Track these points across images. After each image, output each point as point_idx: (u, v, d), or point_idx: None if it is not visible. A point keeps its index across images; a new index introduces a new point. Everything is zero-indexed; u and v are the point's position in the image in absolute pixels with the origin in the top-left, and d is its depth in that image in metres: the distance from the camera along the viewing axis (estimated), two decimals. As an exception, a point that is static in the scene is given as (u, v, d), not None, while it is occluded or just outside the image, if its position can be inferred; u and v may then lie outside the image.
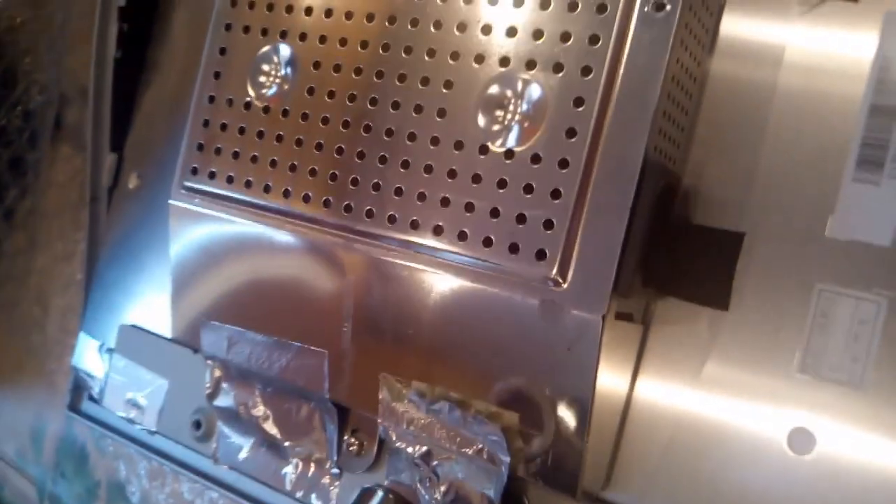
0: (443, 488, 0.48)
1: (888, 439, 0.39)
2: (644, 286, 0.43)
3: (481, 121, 0.43)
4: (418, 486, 0.49)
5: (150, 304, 0.67)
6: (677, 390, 0.45)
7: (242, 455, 0.59)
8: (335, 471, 0.55)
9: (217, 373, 0.59)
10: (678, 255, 0.44)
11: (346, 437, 0.53)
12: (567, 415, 0.42)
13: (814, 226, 0.42)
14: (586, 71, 0.41)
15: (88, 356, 0.70)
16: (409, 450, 0.49)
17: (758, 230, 0.43)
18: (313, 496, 0.56)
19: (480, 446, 0.45)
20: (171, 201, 0.56)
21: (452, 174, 0.44)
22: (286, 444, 0.56)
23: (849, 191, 0.41)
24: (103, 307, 0.70)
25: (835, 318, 0.41)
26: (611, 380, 0.44)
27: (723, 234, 0.44)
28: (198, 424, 0.62)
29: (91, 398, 0.72)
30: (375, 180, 0.47)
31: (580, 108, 0.41)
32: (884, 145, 0.40)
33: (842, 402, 0.40)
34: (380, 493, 0.40)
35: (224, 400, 0.59)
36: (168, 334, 0.62)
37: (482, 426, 0.44)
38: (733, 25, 0.46)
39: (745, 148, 0.44)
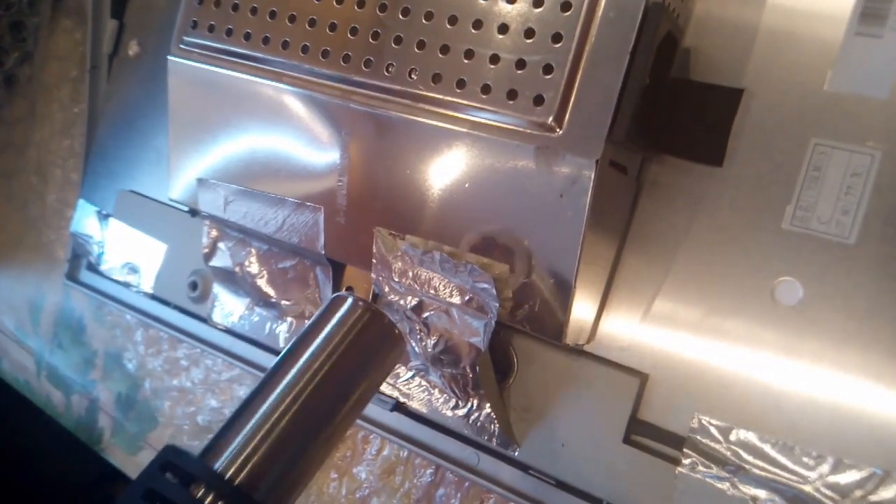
0: (433, 339, 0.49)
1: (874, 291, 0.40)
2: (639, 139, 0.43)
3: (484, -36, 0.43)
4: (409, 338, 0.50)
5: (148, 172, 0.67)
6: (666, 247, 0.45)
7: (237, 315, 0.60)
8: (328, 327, 0.56)
9: (214, 233, 0.59)
10: (675, 109, 0.44)
11: (339, 294, 0.54)
12: (557, 263, 0.43)
13: (812, 81, 0.42)
14: (593, -89, 0.40)
15: (87, 222, 0.71)
16: (402, 302, 0.49)
17: (756, 87, 0.43)
18: (306, 352, 0.57)
19: (470, 296, 0.46)
20: (169, 57, 0.56)
21: (453, 20, 0.44)
22: (281, 302, 0.57)
23: (850, 44, 0.41)
24: (102, 174, 0.70)
25: (828, 171, 0.41)
26: (602, 233, 0.45)
27: (721, 90, 0.44)
28: (194, 286, 0.62)
29: (89, 267, 0.73)
30: (375, 29, 0.46)
31: (585, -50, 0.40)
32: (889, -3, 0.40)
33: (830, 255, 0.41)
34: (350, 300, 0.40)
35: (220, 260, 0.59)
36: (166, 200, 0.63)
37: (473, 275, 0.45)
38: None
39: (747, 5, 0.44)
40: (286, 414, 0.36)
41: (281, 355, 0.39)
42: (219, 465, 0.34)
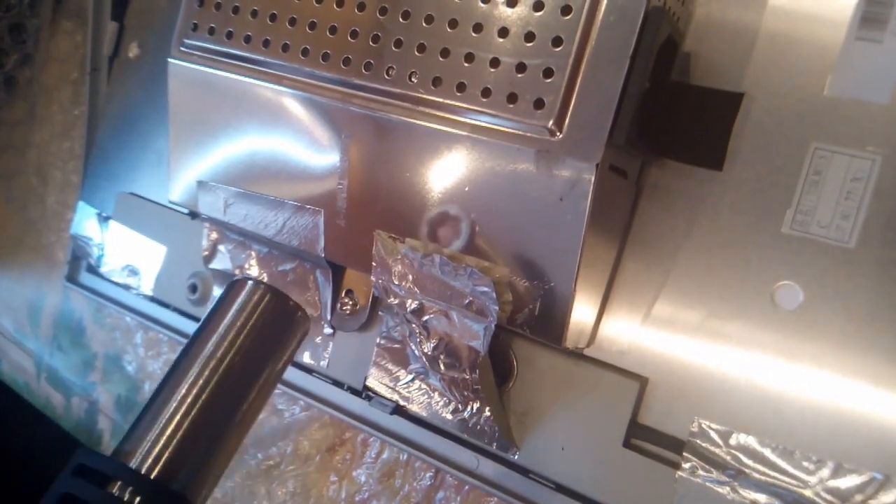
0: (433, 342, 0.49)
1: (874, 295, 0.40)
2: (639, 143, 0.43)
3: (485, -33, 0.43)
4: (409, 340, 0.50)
5: (149, 174, 0.67)
6: (666, 250, 0.45)
7: (237, 317, 0.60)
8: (328, 330, 0.56)
9: (214, 235, 0.59)
10: (675, 114, 0.44)
11: (340, 297, 0.54)
12: (557, 266, 0.43)
13: (812, 85, 0.42)
14: (593, -85, 0.40)
15: (87, 225, 0.71)
16: (402, 305, 0.49)
17: (756, 91, 0.43)
18: (306, 355, 0.57)
19: (470, 300, 0.46)
20: (170, 59, 0.56)
21: (453, 24, 0.44)
22: (280, 305, 0.57)
23: (850, 48, 0.41)
24: (102, 177, 0.70)
25: (828, 175, 0.41)
26: (602, 237, 0.45)
27: (721, 95, 0.44)
28: (194, 288, 0.62)
29: (89, 269, 0.73)
30: (375, 32, 0.46)
31: (585, -46, 0.40)
32: (889, 2, 0.40)
33: (830, 259, 0.41)
34: (249, 284, 0.40)
35: (220, 262, 0.59)
36: (166, 203, 0.63)
37: (473, 278, 0.45)
38: None
39: (747, 9, 0.44)
40: (196, 403, 0.36)
41: (185, 345, 0.39)
42: (133, 461, 0.35)
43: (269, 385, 0.40)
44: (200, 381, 0.37)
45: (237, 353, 0.38)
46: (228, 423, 0.38)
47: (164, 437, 0.36)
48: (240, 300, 0.40)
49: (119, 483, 0.34)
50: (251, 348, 0.39)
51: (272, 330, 0.40)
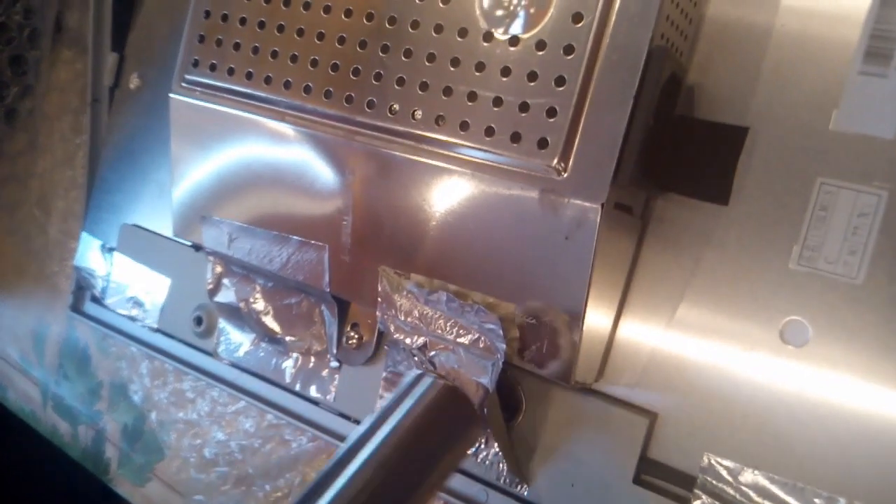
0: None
1: (883, 331, 0.40)
2: (645, 179, 0.43)
3: (486, 6, 0.43)
4: (415, 376, 0.50)
5: (151, 205, 0.67)
6: (673, 285, 0.45)
7: (243, 350, 0.60)
8: (334, 364, 0.56)
9: (218, 269, 0.59)
10: (680, 148, 0.44)
11: (346, 331, 0.54)
12: (563, 304, 0.42)
13: (817, 120, 0.42)
14: (594, -46, 0.40)
15: (91, 256, 0.70)
16: (407, 341, 0.49)
17: (761, 125, 0.43)
18: (312, 388, 0.57)
19: (477, 336, 0.46)
20: (171, 95, 0.56)
21: (455, 63, 0.44)
22: (286, 338, 0.57)
23: (855, 83, 0.41)
24: (105, 208, 0.70)
25: (834, 211, 0.41)
26: (608, 273, 0.44)
27: (726, 129, 0.43)
28: (199, 321, 0.62)
29: (93, 299, 0.73)
30: (377, 70, 0.46)
31: (587, -7, 0.40)
32: (893, 37, 0.39)
33: (838, 295, 0.41)
34: (428, 380, 0.42)
35: (225, 296, 0.59)
36: (169, 233, 0.63)
37: (479, 315, 0.44)
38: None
39: (750, 43, 0.44)
40: (372, 483, 0.37)
41: (361, 430, 0.39)
42: None
43: (441, 478, 0.41)
44: (377, 465, 0.38)
45: (415, 442, 0.39)
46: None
47: None
48: (419, 392, 0.41)
49: None
50: (428, 439, 0.40)
51: (447, 425, 0.41)
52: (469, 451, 0.43)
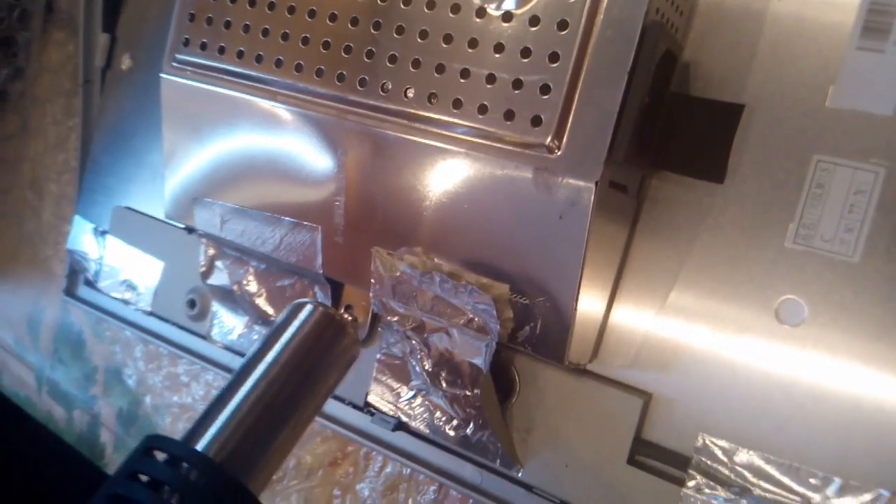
0: (433, 359, 0.48)
1: (879, 309, 0.39)
2: (639, 157, 0.42)
3: (479, -18, 0.42)
4: (409, 357, 0.50)
5: (144, 187, 0.67)
6: (668, 264, 0.45)
7: (236, 333, 0.60)
8: (327, 346, 0.55)
9: (211, 251, 0.59)
10: (676, 126, 0.43)
11: (340, 312, 0.54)
12: (558, 284, 0.42)
13: (814, 97, 0.41)
14: (588, -72, 0.39)
15: (84, 239, 0.70)
16: (402, 322, 0.49)
17: (757, 103, 0.43)
18: (306, 371, 0.56)
19: (470, 317, 0.45)
20: (162, 75, 0.55)
21: (448, 39, 0.43)
22: (279, 321, 0.56)
23: (852, 59, 0.40)
24: (97, 190, 0.70)
25: (830, 188, 0.40)
26: (602, 253, 0.44)
27: (722, 106, 0.43)
28: (192, 304, 0.62)
29: (87, 283, 0.73)
30: (369, 47, 0.46)
31: (581, -32, 0.40)
32: (891, 11, 0.39)
33: (834, 274, 0.40)
34: (308, 307, 0.44)
35: (218, 278, 0.59)
36: (162, 217, 0.62)
37: (473, 296, 0.44)
38: None
39: (747, 19, 0.43)
40: (258, 403, 0.40)
41: (250, 353, 0.42)
42: (201, 446, 0.37)
43: (322, 393, 0.44)
44: (264, 384, 0.40)
45: (296, 362, 0.42)
46: (285, 423, 0.40)
47: (230, 429, 0.38)
48: (300, 318, 0.44)
49: (187, 464, 0.36)
50: (307, 358, 0.43)
51: (326, 345, 0.44)
52: (348, 370, 0.46)
